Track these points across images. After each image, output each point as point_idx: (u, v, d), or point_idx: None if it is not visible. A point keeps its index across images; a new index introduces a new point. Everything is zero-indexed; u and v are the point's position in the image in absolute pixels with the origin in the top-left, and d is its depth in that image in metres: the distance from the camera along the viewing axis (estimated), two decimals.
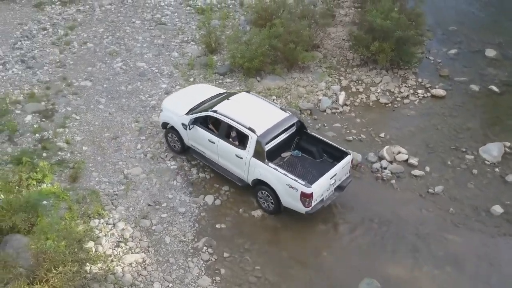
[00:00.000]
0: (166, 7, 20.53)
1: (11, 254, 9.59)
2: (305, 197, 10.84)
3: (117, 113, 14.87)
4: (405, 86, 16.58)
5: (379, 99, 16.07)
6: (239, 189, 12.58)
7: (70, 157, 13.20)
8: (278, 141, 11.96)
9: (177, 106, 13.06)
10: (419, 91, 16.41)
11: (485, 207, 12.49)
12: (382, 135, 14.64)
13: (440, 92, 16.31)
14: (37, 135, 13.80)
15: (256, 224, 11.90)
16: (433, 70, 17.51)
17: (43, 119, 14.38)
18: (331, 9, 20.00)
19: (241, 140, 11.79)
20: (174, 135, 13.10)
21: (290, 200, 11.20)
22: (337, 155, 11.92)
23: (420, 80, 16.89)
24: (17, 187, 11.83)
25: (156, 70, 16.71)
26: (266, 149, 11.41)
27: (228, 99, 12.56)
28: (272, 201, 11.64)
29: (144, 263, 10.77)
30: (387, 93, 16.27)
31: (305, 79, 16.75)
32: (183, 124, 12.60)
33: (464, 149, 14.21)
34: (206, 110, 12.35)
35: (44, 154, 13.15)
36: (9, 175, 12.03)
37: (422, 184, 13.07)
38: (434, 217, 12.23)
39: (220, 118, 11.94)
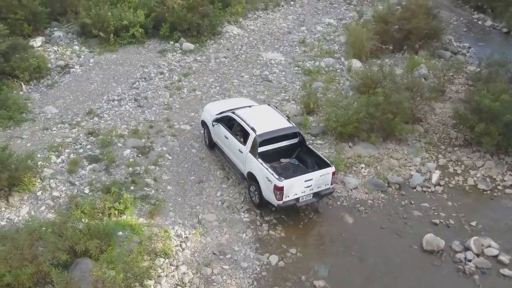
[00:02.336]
0: (276, 65, 21.30)
1: (75, 276, 10.20)
2: (277, 190, 12.29)
3: (207, 159, 15.46)
4: (510, 174, 15.19)
5: (477, 184, 14.89)
6: (306, 255, 12.26)
7: (154, 194, 13.90)
8: (277, 146, 13.92)
9: (213, 109, 15.53)
10: None
11: None
12: (473, 223, 13.45)
13: None
14: (130, 168, 14.78)
15: None
16: None
17: (139, 155, 15.40)
18: (442, 84, 19.28)
19: (245, 137, 13.66)
20: (206, 131, 15.53)
21: (268, 192, 12.66)
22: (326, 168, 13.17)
23: None
24: (100, 214, 12.69)
25: None
26: (263, 150, 13.49)
27: (249, 107, 14.93)
28: (258, 194, 13.09)
29: None
30: (488, 179, 15.03)
31: (400, 152, 16.13)
32: (212, 122, 14.89)
33: None
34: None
35: (132, 188, 14.01)
36: (97, 202, 12.95)
37: (510, 286, 11.63)
38: None
39: (235, 118, 14.09)
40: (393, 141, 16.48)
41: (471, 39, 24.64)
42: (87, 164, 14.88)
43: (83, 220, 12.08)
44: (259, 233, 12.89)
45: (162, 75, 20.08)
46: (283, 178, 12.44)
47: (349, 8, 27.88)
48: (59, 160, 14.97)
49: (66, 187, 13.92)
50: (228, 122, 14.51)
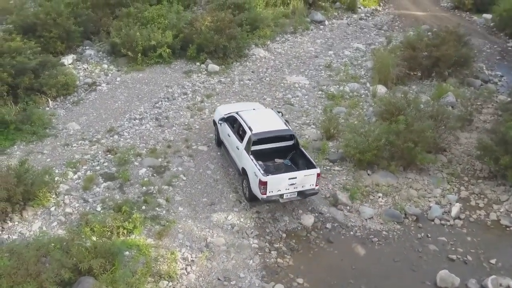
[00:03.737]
0: (299, 89, 21.15)
1: None
2: (262, 184, 13.13)
3: (221, 180, 15.35)
4: None
5: (500, 219, 14.21)
6: (313, 286, 11.91)
7: (165, 215, 13.84)
8: (272, 146, 14.88)
9: (224, 110, 16.58)
10: None
11: None
12: (492, 261, 12.78)
13: None
14: (144, 188, 14.82)
15: None
16: None
17: (154, 174, 15.44)
18: (470, 113, 18.68)
19: (243, 135, 14.58)
20: (216, 130, 16.69)
21: (255, 186, 13.47)
22: None
23: None
24: (109, 233, 12.72)
25: None
26: (258, 148, 14.52)
27: (254, 110, 16.10)
28: (247, 188, 13.97)
29: None
30: None
31: (420, 182, 15.62)
32: (218, 121, 16.14)
33: None
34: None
35: (143, 207, 14.01)
36: (107, 220, 12.98)
37: None
38: None
39: (237, 118, 15.06)
40: (414, 171, 15.98)
41: (504, 68, 23.87)
42: (102, 181, 15.00)
43: (91, 237, 12.11)
44: (267, 260, 12.61)
45: (185, 96, 20.22)
46: (268, 174, 13.34)
47: (379, 33, 27.60)
48: (75, 176, 15.16)
49: (79, 204, 14.05)
50: (232, 121, 15.44)
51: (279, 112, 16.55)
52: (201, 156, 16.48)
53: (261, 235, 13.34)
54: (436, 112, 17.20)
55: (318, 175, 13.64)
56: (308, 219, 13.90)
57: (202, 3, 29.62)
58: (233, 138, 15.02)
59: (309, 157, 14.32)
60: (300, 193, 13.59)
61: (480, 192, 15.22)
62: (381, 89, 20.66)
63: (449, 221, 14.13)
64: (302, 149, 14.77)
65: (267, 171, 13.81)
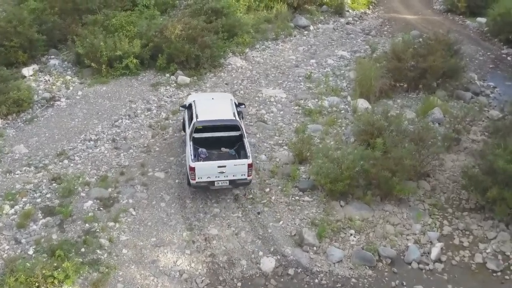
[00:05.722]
0: (275, 103, 19.49)
1: None
2: (190, 170, 13.57)
3: (175, 215, 13.77)
4: None
5: (486, 262, 12.56)
6: None
7: (105, 259, 12.24)
8: (217, 135, 15.12)
9: (192, 98, 16.40)
10: None
11: None
12: None
13: None
14: (87, 225, 13.23)
15: None
16: None
17: (101, 208, 13.84)
18: (458, 132, 17.02)
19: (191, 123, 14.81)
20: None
21: (188, 172, 13.81)
22: None
23: None
24: (36, 284, 11.12)
25: None
26: (204, 136, 14.89)
27: (212, 99, 16.40)
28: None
29: None
30: (499, 257, 12.67)
31: (398, 215, 13.99)
32: (179, 108, 16.89)
33: None
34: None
35: (82, 249, 12.42)
36: (37, 268, 11.36)
37: None
38: None
39: (192, 106, 15.32)
40: (392, 202, 14.32)
41: (497, 78, 22.14)
42: (41, 217, 13.42)
43: None
44: None
45: (149, 112, 18.59)
46: (196, 161, 13.80)
47: (366, 39, 25.87)
48: (12, 211, 13.58)
49: (10, 246, 12.47)
50: (190, 109, 15.60)
51: (242, 104, 16.78)
52: (156, 185, 14.86)
53: (212, 284, 11.74)
54: (419, 134, 15.49)
55: (250, 165, 13.73)
56: (269, 263, 12.30)
57: (181, 7, 27.95)
58: (187, 126, 15.38)
59: (247, 148, 14.39)
60: (231, 182, 13.83)
61: (465, 228, 13.56)
62: (362, 103, 18.97)
63: (428, 264, 12.48)
64: (245, 140, 14.77)
65: (208, 159, 14.33)
